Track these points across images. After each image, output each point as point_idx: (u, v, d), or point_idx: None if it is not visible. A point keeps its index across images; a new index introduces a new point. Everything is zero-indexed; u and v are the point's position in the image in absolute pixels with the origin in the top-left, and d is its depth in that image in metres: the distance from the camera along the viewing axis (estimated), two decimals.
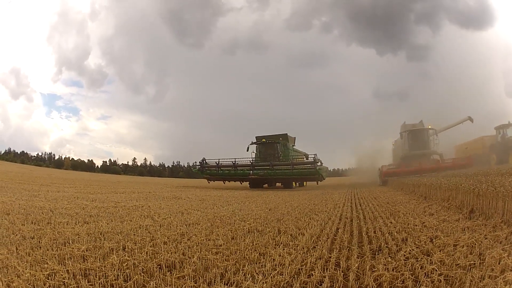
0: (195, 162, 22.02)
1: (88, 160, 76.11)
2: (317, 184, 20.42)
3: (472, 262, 2.57)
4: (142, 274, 2.16)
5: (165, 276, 2.17)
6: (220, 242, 3.37)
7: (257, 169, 19.29)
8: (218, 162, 20.23)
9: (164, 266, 2.40)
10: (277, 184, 21.19)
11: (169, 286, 1.91)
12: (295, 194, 12.80)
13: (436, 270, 2.45)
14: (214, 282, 2.16)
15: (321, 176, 18.21)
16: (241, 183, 20.90)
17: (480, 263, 2.55)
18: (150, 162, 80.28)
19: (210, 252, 2.94)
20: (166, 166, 79.06)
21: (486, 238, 3.34)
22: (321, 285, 2.23)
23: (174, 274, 2.22)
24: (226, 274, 2.34)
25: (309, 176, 18.41)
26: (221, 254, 2.90)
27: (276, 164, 18.94)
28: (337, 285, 2.22)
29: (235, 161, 19.69)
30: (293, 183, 20.19)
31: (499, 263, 2.47)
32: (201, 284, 2.08)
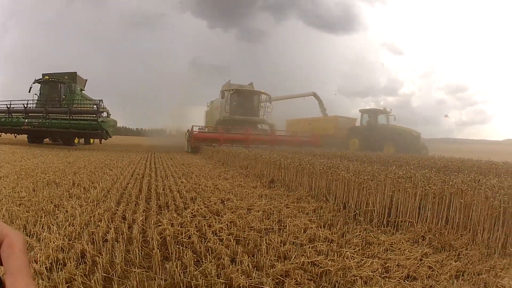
0: None
1: None
2: (100, 143, 16.44)
3: (269, 227, 2.64)
4: None
5: None
6: (23, 194, 3.57)
7: (32, 117, 14.07)
8: None
9: None
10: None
11: None
12: (95, 149, 13.45)
13: (225, 230, 2.54)
14: None
15: (105, 132, 13.81)
16: (15, 136, 15.43)
17: (280, 229, 2.61)
18: None
19: (15, 204, 3.15)
20: None
21: (287, 208, 3.39)
22: (106, 235, 2.32)
23: None
24: (28, 225, 2.50)
25: (90, 131, 13.81)
26: (24, 205, 3.12)
27: (52, 112, 13.88)
28: (121, 237, 2.28)
29: (10, 105, 14.12)
30: (76, 139, 15.43)
31: (304, 232, 2.54)
32: None
